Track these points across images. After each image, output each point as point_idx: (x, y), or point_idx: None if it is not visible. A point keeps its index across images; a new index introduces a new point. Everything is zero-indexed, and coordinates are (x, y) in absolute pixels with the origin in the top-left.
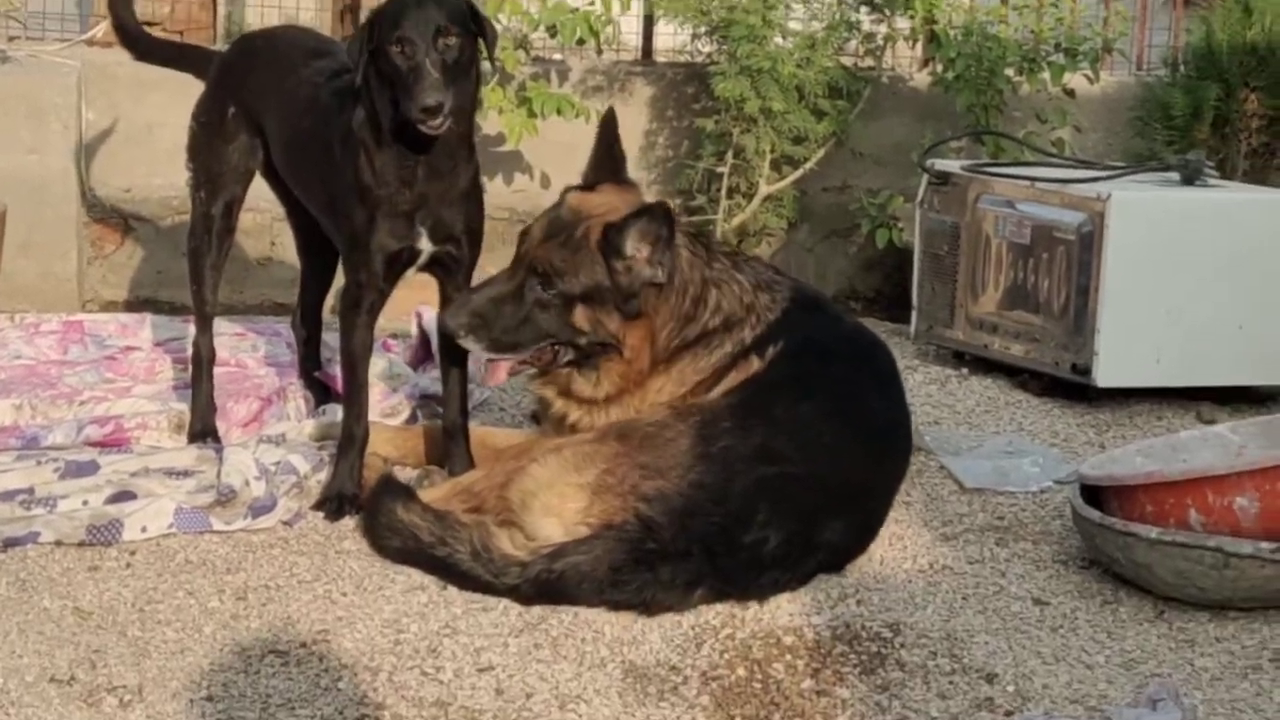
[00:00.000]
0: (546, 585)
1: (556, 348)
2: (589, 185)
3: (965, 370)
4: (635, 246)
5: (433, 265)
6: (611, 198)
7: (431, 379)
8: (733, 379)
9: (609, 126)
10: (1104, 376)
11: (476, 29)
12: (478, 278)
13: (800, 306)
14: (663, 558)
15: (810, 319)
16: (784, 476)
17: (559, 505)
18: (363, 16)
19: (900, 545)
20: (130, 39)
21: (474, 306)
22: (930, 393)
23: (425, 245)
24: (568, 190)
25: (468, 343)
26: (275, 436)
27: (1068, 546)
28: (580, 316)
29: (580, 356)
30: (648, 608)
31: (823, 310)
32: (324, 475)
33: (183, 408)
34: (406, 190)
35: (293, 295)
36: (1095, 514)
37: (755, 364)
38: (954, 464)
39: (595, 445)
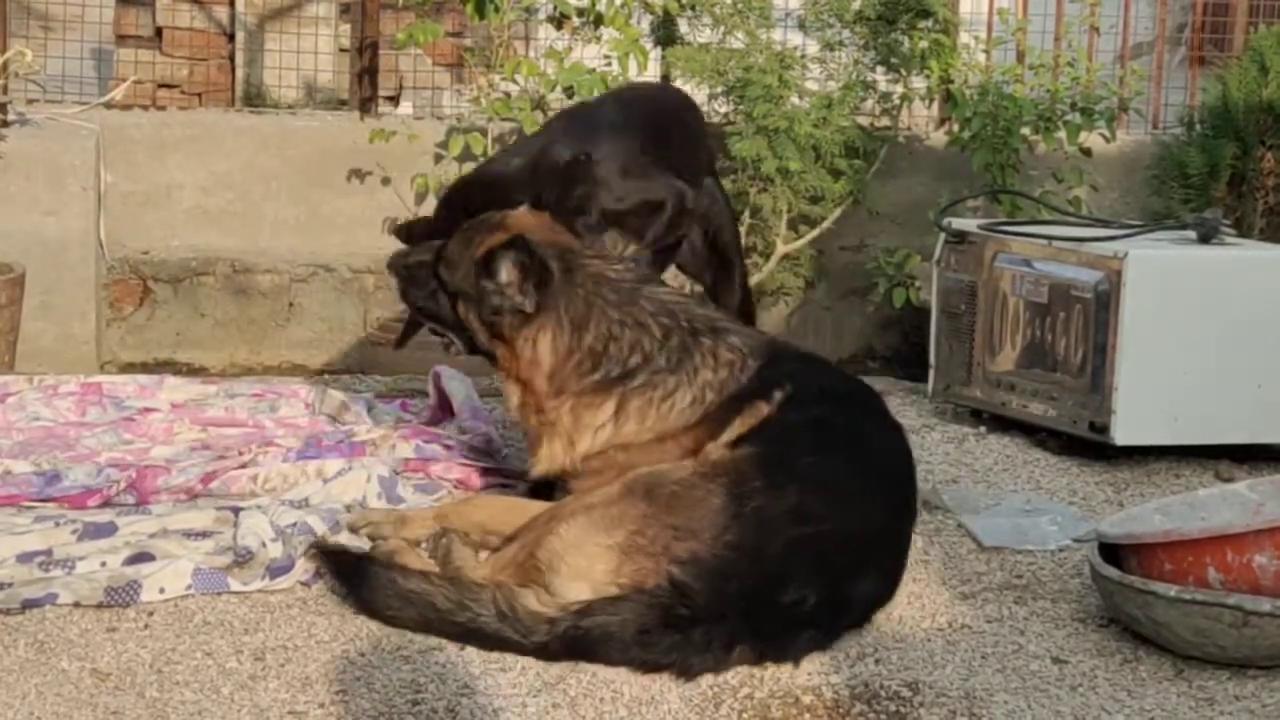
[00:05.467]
0: (574, 643)
1: (449, 335)
2: (540, 206)
3: (983, 429)
4: (507, 273)
5: None
6: (539, 223)
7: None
8: (741, 424)
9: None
10: (1122, 435)
11: None
12: None
13: (786, 354)
14: (695, 622)
15: (801, 365)
16: (818, 536)
17: (587, 567)
18: (381, 80)
19: (919, 604)
20: None
21: (406, 258)
22: (948, 451)
23: None
24: (523, 205)
25: (396, 284)
26: (298, 500)
27: (1086, 605)
28: (462, 311)
29: (471, 352)
30: (682, 670)
31: (808, 357)
32: (342, 537)
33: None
34: None
35: (311, 356)
36: (1114, 572)
37: (764, 409)
38: (972, 522)
39: (624, 505)
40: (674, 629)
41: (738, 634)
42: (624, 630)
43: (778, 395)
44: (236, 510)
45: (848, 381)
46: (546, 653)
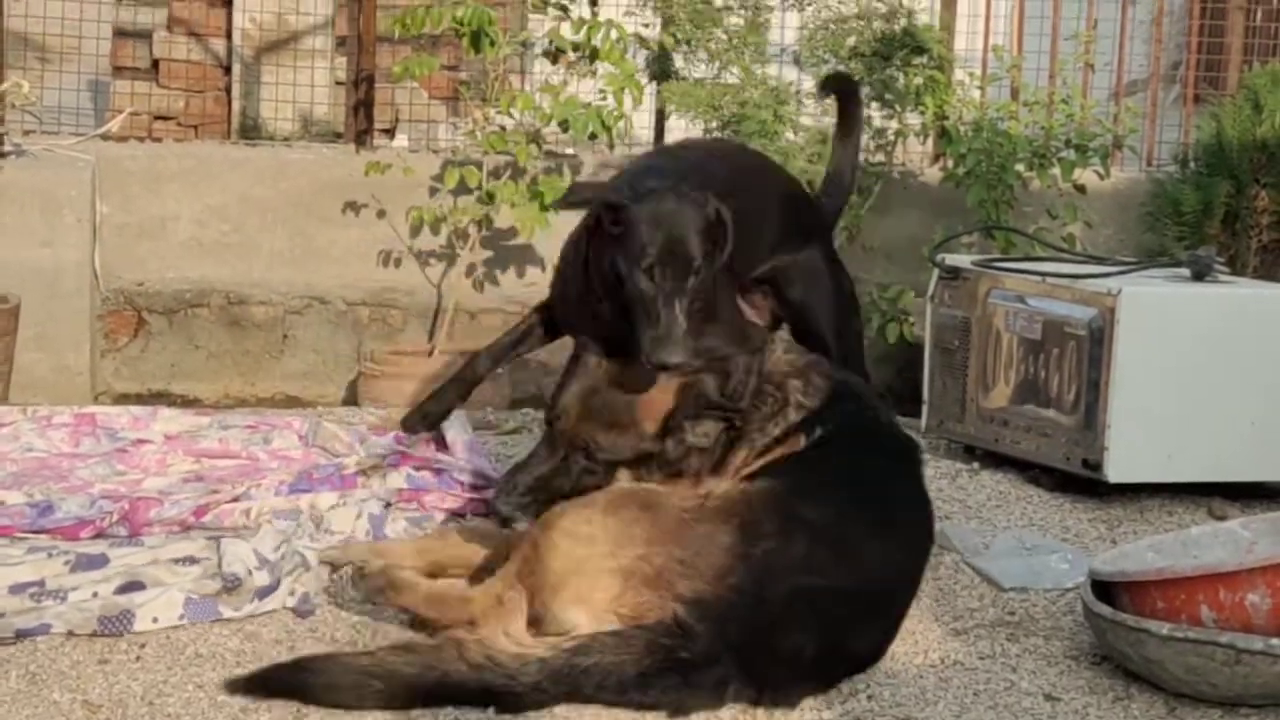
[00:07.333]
0: (569, 680)
1: None
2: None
3: (976, 465)
4: (692, 431)
5: None
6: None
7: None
8: (776, 453)
9: None
10: (1115, 472)
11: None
12: None
13: (841, 395)
14: (694, 666)
15: (849, 408)
16: (823, 589)
17: (589, 591)
18: (376, 113)
19: (911, 640)
20: None
21: (523, 488)
22: (941, 487)
23: None
24: (584, 347)
25: (520, 525)
26: (288, 522)
27: (1079, 642)
28: (624, 475)
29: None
30: (677, 711)
31: (862, 400)
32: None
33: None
34: None
35: (305, 388)
36: (1107, 610)
37: (801, 440)
38: (988, 566)
39: (627, 525)
40: (673, 672)
41: (734, 678)
42: (623, 670)
43: (817, 432)
44: (219, 538)
45: (891, 433)
46: (539, 692)
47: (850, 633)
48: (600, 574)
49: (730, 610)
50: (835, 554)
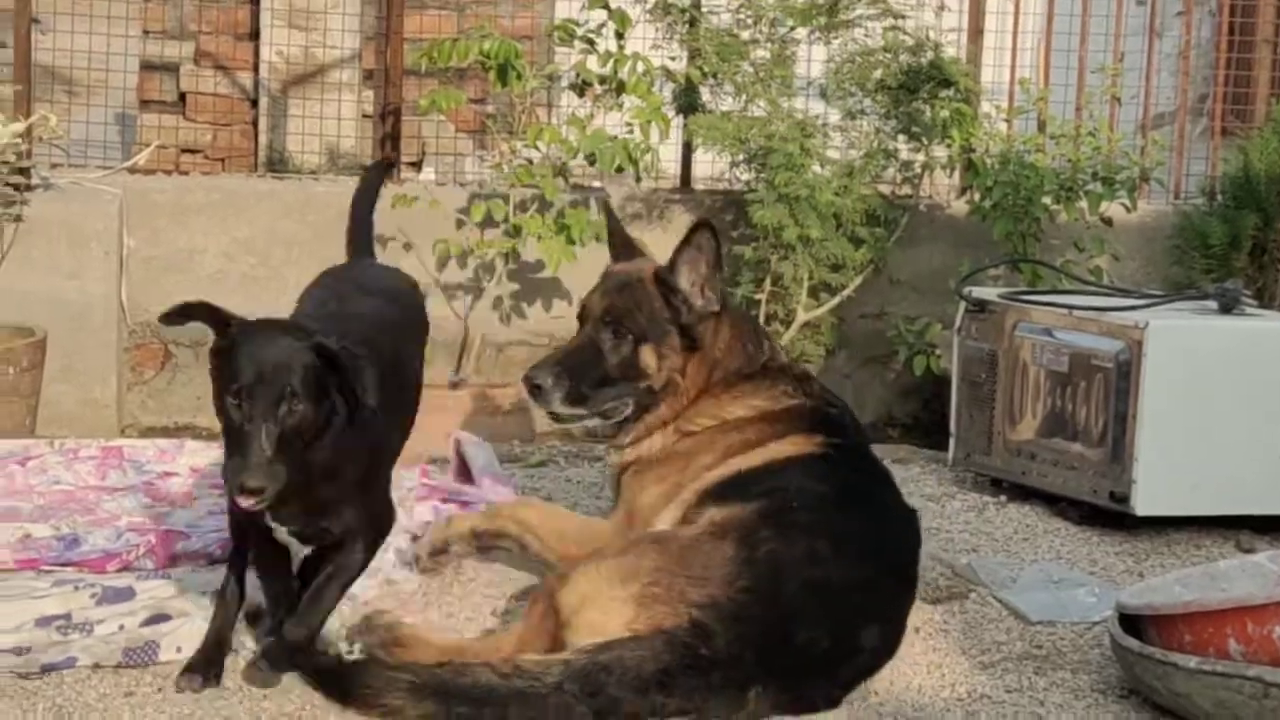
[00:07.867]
0: (591, 679)
1: (620, 401)
2: (620, 259)
3: (1003, 498)
4: (688, 278)
5: None
6: (647, 261)
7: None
8: (782, 448)
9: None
10: (1142, 505)
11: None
12: None
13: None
14: (715, 664)
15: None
16: (829, 580)
17: (603, 621)
18: (403, 146)
19: (938, 673)
20: None
21: (554, 360)
22: (968, 520)
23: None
24: (609, 267)
25: (550, 395)
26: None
27: (1106, 676)
28: (647, 356)
29: (638, 408)
30: (700, 714)
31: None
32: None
33: None
34: None
35: None
36: (1134, 643)
37: (806, 444)
38: (1015, 599)
39: (635, 558)
40: (694, 670)
41: (754, 677)
42: (643, 667)
43: (820, 436)
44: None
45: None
46: (561, 695)
47: (861, 624)
48: (611, 602)
49: (744, 609)
50: (835, 548)
